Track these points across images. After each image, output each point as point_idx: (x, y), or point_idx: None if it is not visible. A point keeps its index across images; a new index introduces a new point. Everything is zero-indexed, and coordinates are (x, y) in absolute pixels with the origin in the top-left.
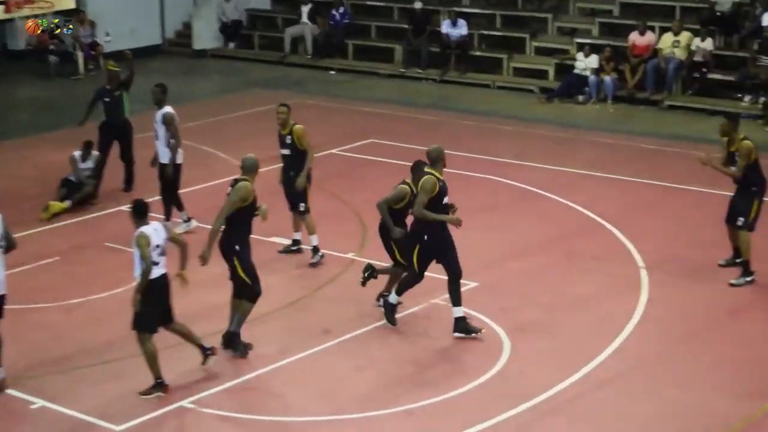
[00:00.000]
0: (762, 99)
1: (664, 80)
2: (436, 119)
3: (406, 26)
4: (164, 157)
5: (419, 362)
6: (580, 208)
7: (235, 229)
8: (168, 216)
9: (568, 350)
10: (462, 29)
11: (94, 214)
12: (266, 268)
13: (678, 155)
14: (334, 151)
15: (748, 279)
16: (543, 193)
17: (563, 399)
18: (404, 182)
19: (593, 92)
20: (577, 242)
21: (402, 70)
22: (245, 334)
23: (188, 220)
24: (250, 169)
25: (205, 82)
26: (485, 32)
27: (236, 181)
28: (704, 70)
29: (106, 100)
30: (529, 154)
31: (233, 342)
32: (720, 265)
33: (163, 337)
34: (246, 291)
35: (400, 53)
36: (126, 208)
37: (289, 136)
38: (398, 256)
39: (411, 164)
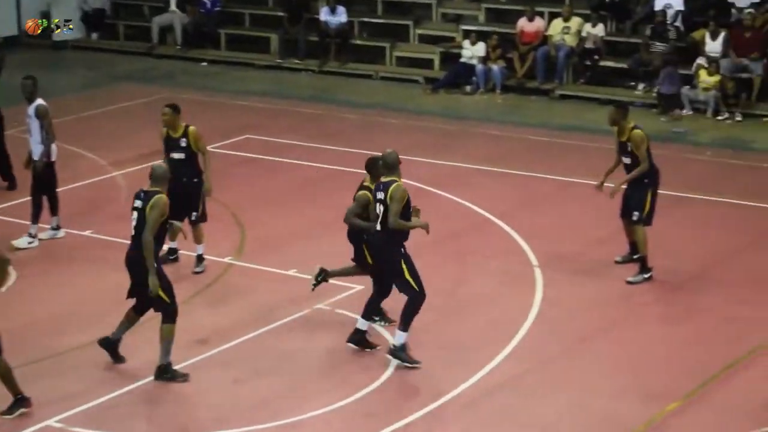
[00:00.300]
0: (657, 87)
1: (554, 68)
2: (317, 113)
3: (281, 14)
4: (37, 154)
5: (304, 372)
6: (469, 205)
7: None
8: (36, 219)
9: (461, 354)
10: (341, 16)
11: None
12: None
13: (570, 147)
14: (207, 148)
15: (646, 276)
16: (431, 189)
17: (457, 405)
18: (362, 187)
19: (481, 82)
20: (468, 241)
21: (278, 60)
22: (127, 341)
23: (57, 228)
24: (162, 179)
25: (66, 76)
26: (366, 19)
27: (146, 193)
28: (596, 57)
29: None
30: (415, 149)
31: (167, 373)
32: (617, 262)
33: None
34: (167, 310)
35: (275, 43)
36: None
37: (183, 139)
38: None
39: (365, 162)
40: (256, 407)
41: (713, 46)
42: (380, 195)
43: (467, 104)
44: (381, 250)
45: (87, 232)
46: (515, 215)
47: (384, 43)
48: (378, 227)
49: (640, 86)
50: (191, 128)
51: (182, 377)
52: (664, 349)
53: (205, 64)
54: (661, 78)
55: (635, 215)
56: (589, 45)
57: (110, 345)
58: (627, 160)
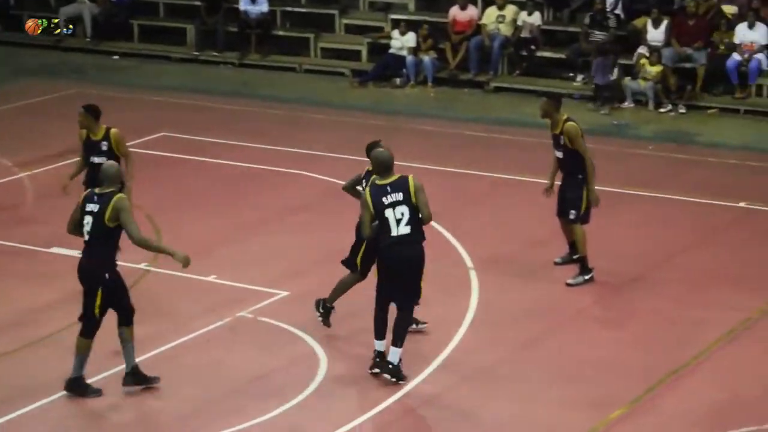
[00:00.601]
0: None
1: (488, 59)
2: (237, 108)
3: (198, 3)
4: None
5: (225, 384)
6: None
7: (109, 251)
8: None
9: None
10: (262, 6)
11: None
12: (47, 283)
13: (506, 142)
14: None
15: (587, 277)
16: (359, 188)
17: (388, 418)
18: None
19: (411, 74)
20: None
21: (195, 53)
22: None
23: None
24: (115, 178)
25: None
26: (289, 9)
27: (100, 195)
28: (532, 47)
29: None
30: (343, 146)
31: (136, 378)
32: (556, 263)
33: None
34: (89, 324)
35: (192, 34)
36: None
37: (104, 142)
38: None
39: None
40: (173, 423)
41: (655, 35)
42: (396, 196)
43: (397, 98)
44: (415, 252)
45: None
46: (449, 215)
47: (308, 34)
48: (405, 230)
49: (579, 77)
50: (113, 130)
51: (153, 380)
52: (608, 354)
53: (117, 57)
54: (594, 68)
55: (572, 214)
56: (525, 34)
57: (77, 385)
58: (559, 154)
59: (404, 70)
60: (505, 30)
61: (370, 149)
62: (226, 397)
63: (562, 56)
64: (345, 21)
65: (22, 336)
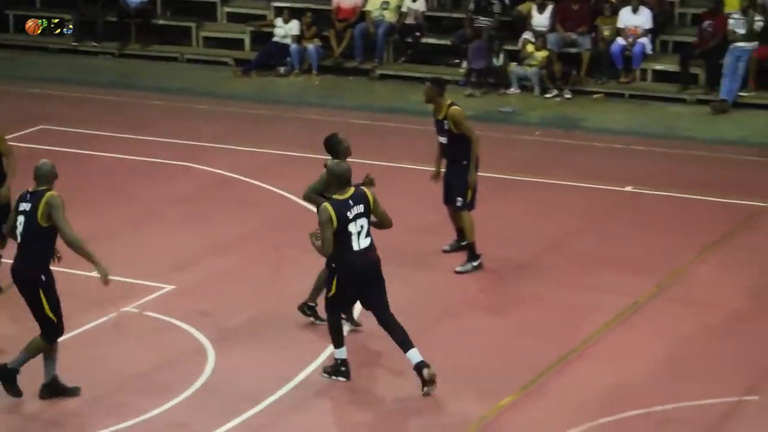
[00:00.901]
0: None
1: (373, 47)
2: (118, 99)
3: None
4: None
5: (110, 381)
6: (288, 195)
7: (44, 253)
8: None
9: (281, 357)
10: None
11: None
12: None
13: (393, 130)
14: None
15: (475, 264)
16: (244, 178)
17: (278, 410)
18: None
19: (296, 62)
20: (287, 234)
21: (74, 43)
22: None
23: None
24: (49, 176)
25: None
26: None
27: (33, 194)
28: (417, 34)
29: None
30: (227, 136)
31: (6, 378)
32: (444, 251)
33: None
34: (49, 329)
35: (72, 24)
36: None
37: None
38: None
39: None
40: (57, 422)
41: (540, 20)
42: (358, 209)
43: (282, 87)
44: (377, 257)
45: None
46: None
47: (190, 23)
48: (366, 242)
49: (464, 64)
50: None
51: (17, 394)
52: (497, 342)
53: None
54: (470, 53)
55: (459, 201)
56: (409, 21)
57: (53, 388)
58: (443, 140)
59: (288, 59)
60: (390, 17)
61: (329, 143)
62: (110, 394)
63: (447, 43)
64: (227, 9)
65: None
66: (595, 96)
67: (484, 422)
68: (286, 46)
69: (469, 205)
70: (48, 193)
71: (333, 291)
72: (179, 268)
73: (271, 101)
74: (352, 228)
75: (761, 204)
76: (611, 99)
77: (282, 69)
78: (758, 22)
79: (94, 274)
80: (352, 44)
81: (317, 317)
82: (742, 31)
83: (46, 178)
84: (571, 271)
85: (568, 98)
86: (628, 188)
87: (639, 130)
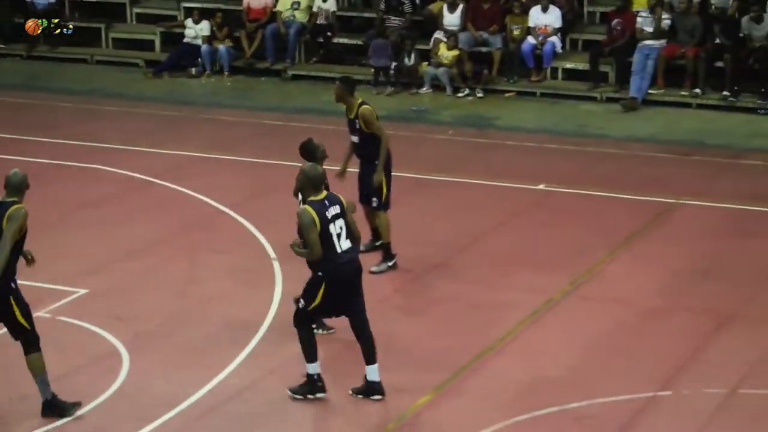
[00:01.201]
0: (394, 64)
1: (285, 47)
2: (25, 101)
3: None
4: None
5: (22, 388)
6: (199, 196)
7: (12, 261)
8: None
9: (196, 359)
10: None
11: None
12: None
13: (306, 131)
14: None
15: (390, 264)
16: (156, 180)
17: (194, 414)
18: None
19: (207, 63)
20: (199, 235)
21: None
22: None
23: None
24: (19, 187)
25: None
26: None
27: (1, 205)
28: (328, 34)
29: None
30: (138, 137)
31: (54, 408)
32: (360, 252)
33: None
34: (28, 338)
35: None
36: None
37: None
38: None
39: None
40: None
41: (451, 20)
42: (334, 210)
43: (193, 88)
44: (359, 263)
45: None
46: (248, 205)
47: (99, 24)
48: (347, 243)
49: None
50: None
51: (73, 407)
52: (412, 341)
53: None
54: (371, 51)
55: (374, 201)
56: (320, 21)
57: (52, 406)
58: (355, 139)
59: (199, 60)
60: (301, 17)
61: (306, 149)
62: (21, 401)
63: (359, 43)
64: (137, 10)
65: None
66: (506, 95)
67: (402, 422)
68: (197, 47)
69: (385, 205)
70: (15, 206)
71: (317, 301)
72: (91, 272)
73: (183, 102)
74: (332, 229)
75: (671, 200)
76: (523, 98)
77: (193, 70)
78: (665, 21)
79: None
80: (263, 45)
81: (322, 326)
82: (650, 29)
83: (17, 188)
84: (486, 269)
85: (480, 97)
86: (541, 186)
87: (551, 129)
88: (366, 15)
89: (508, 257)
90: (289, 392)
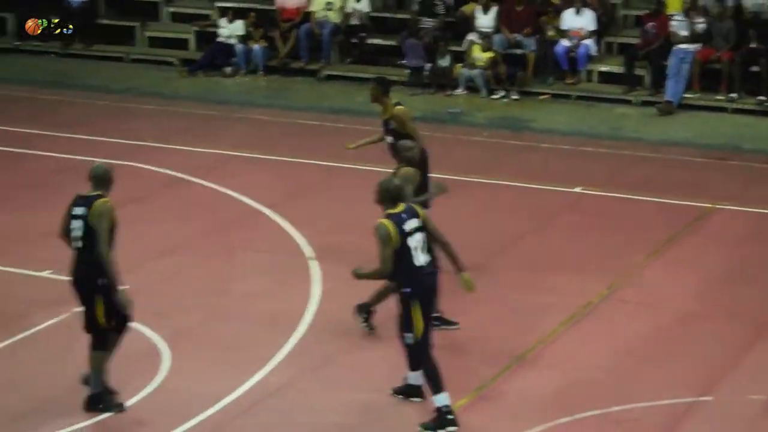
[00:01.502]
0: (429, 65)
1: (319, 47)
2: (60, 99)
3: None
4: None
5: (64, 382)
6: (235, 195)
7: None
8: None
9: (237, 356)
10: None
11: None
12: None
13: (340, 131)
14: None
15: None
16: (192, 179)
17: (235, 411)
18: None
19: (242, 63)
20: (236, 234)
21: (16, 43)
22: None
23: None
24: (103, 180)
25: None
26: None
27: (85, 198)
28: (362, 34)
29: None
30: (174, 136)
31: (99, 402)
32: None
33: None
34: (98, 336)
35: (12, 24)
36: None
37: None
38: None
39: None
40: (8, 425)
41: (485, 21)
42: (412, 223)
43: (228, 87)
44: (437, 280)
45: None
46: (285, 205)
47: (133, 23)
48: (426, 258)
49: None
50: None
51: (117, 407)
52: (450, 343)
53: None
54: (406, 50)
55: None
56: (354, 22)
57: (99, 399)
58: (390, 139)
59: (234, 59)
60: (334, 17)
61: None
62: (64, 394)
63: (393, 43)
64: (171, 9)
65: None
66: (541, 97)
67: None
68: (230, 47)
69: (424, 204)
70: (99, 200)
71: (421, 324)
72: (129, 269)
73: (217, 101)
74: (411, 242)
75: (707, 205)
76: (558, 100)
77: (228, 69)
78: (700, 24)
79: (46, 274)
80: (297, 45)
81: (370, 326)
82: (684, 32)
83: (103, 181)
84: (523, 272)
85: (515, 99)
86: (577, 189)
87: (586, 131)
88: (399, 16)
89: (545, 260)
90: (420, 429)
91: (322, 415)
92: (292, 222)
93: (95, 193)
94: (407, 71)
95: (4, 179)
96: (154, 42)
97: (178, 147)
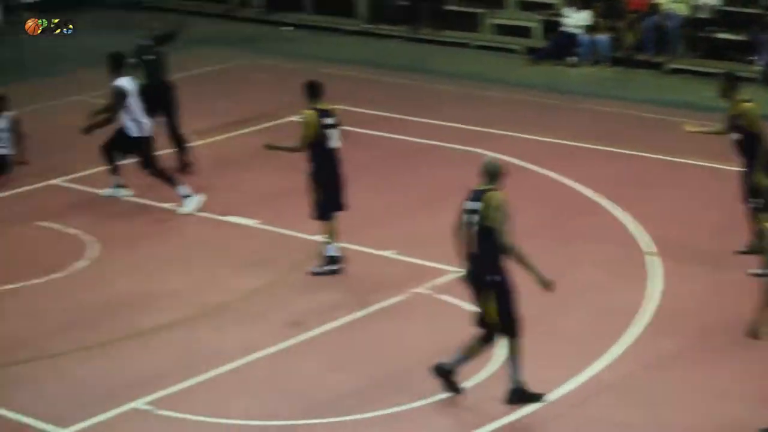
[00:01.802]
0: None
1: (665, 40)
2: (409, 83)
3: None
4: (133, 130)
5: (399, 362)
6: (574, 185)
7: (493, 252)
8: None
9: (570, 349)
10: None
11: (19, 189)
12: (219, 254)
13: (682, 125)
14: (294, 118)
15: None
16: (532, 167)
17: (564, 404)
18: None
19: (586, 52)
20: (573, 223)
21: (367, 25)
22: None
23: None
24: (495, 174)
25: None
26: None
27: (477, 192)
28: (711, 28)
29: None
30: (517, 123)
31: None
32: (738, 253)
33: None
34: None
35: (364, 6)
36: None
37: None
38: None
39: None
40: (349, 396)
41: None
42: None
43: (572, 77)
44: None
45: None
46: (624, 197)
47: (479, 9)
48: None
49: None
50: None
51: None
52: None
53: (291, 28)
54: (761, 46)
55: (753, 202)
56: (702, 14)
57: (445, 372)
58: (735, 137)
59: (578, 49)
60: (682, 10)
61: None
62: (399, 374)
63: (743, 38)
64: None
65: (200, 302)
66: None
67: None
68: (574, 36)
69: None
70: (493, 194)
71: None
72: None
73: (561, 90)
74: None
75: None
76: None
77: (573, 59)
78: None
79: (389, 254)
80: (644, 36)
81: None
82: None
83: (494, 175)
84: None
85: None
86: None
87: None
88: (749, 10)
89: None
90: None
91: (661, 416)
92: (632, 215)
93: (487, 187)
94: (759, 67)
95: (355, 160)
96: (500, 29)
97: (520, 135)
